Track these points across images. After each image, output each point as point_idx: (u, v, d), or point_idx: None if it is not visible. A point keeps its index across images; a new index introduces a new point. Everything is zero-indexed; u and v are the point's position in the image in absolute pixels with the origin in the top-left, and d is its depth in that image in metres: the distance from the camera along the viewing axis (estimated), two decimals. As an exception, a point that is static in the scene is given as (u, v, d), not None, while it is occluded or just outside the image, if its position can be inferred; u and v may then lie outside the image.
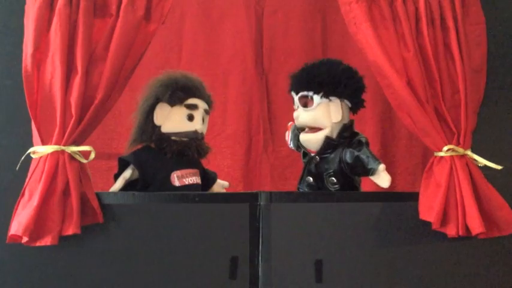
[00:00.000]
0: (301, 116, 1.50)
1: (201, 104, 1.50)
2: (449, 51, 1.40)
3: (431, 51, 1.38)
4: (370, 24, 1.38)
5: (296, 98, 1.52)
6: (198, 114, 1.48)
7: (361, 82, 1.50)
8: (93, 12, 1.34)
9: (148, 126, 1.45)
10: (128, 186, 1.43)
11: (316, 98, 1.45)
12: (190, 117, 1.47)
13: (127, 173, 1.42)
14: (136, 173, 1.42)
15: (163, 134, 1.45)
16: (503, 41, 1.52)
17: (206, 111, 1.52)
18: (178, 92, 1.45)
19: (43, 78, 1.29)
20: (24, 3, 1.33)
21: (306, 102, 1.48)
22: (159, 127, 1.46)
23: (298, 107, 1.52)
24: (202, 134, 1.51)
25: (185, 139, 1.46)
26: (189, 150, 1.45)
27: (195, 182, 1.49)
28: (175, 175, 1.44)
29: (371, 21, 1.38)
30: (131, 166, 1.43)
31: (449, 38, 1.40)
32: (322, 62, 1.49)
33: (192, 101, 1.47)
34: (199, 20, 2.14)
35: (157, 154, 1.45)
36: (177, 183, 1.44)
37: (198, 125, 1.48)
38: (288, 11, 2.16)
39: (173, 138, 1.46)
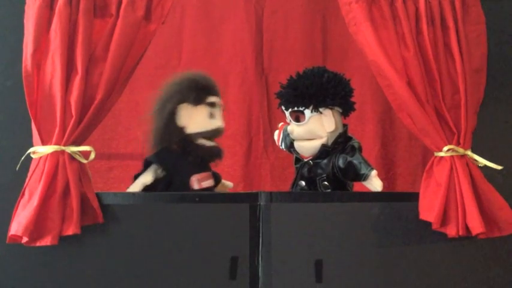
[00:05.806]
0: (296, 130, 1.50)
1: (218, 101, 1.52)
2: (449, 51, 1.40)
3: (431, 51, 1.38)
4: (370, 24, 1.38)
5: (287, 113, 1.52)
6: (217, 111, 1.51)
7: (348, 87, 1.49)
8: (93, 12, 1.33)
9: (172, 128, 1.45)
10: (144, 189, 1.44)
11: (307, 112, 1.46)
12: (212, 115, 1.49)
13: (148, 178, 1.44)
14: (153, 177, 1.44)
15: (189, 135, 1.46)
16: (503, 41, 1.52)
17: (222, 107, 1.55)
18: (201, 91, 1.47)
19: (43, 78, 1.29)
20: (24, 3, 1.33)
21: (297, 117, 1.49)
22: (183, 128, 1.46)
23: (290, 121, 1.52)
24: (224, 130, 1.53)
25: (208, 144, 1.48)
26: (212, 156, 1.49)
27: (211, 185, 1.52)
28: (194, 178, 1.46)
29: (371, 21, 1.38)
30: (151, 170, 1.44)
31: (449, 38, 1.39)
32: (306, 73, 1.48)
33: (211, 99, 1.50)
34: (199, 20, 2.15)
35: (177, 156, 1.46)
36: (196, 186, 1.46)
37: (219, 121, 1.51)
38: (288, 11, 2.16)
39: (198, 142, 1.47)
